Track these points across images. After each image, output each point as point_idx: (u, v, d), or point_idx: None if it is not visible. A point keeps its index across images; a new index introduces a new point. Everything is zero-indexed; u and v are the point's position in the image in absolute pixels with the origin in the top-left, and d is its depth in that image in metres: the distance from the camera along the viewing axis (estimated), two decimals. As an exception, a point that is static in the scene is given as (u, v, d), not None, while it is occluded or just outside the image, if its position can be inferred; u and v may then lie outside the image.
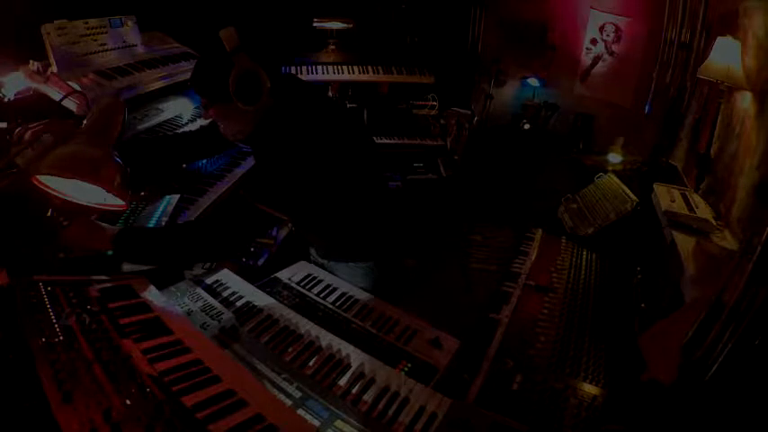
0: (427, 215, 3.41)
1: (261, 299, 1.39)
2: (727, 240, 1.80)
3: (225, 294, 1.41)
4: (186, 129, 2.13)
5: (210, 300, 1.34)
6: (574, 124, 3.68)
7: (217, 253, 1.51)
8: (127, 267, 1.40)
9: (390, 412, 1.04)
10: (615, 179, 2.40)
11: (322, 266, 1.64)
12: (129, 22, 2.12)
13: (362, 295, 1.49)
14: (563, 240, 2.00)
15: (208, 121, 1.65)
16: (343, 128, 1.54)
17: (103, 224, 1.39)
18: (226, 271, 1.51)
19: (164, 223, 1.65)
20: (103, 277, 1.27)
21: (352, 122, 1.74)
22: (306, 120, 1.41)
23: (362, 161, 1.55)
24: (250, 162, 2.29)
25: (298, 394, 1.06)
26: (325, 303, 1.44)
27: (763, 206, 1.70)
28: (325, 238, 1.64)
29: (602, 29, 3.59)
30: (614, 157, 3.31)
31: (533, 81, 3.81)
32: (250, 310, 1.34)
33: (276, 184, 1.38)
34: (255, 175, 1.85)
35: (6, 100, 1.57)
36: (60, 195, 1.25)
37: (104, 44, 2.00)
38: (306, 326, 1.28)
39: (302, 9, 3.62)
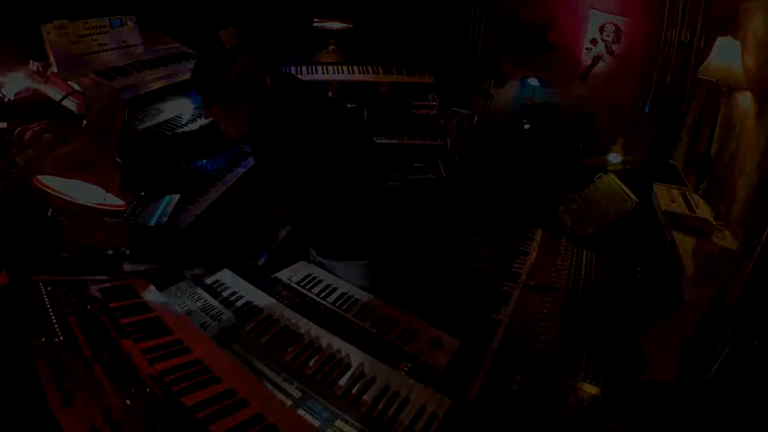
0: (427, 215, 3.41)
1: (261, 299, 1.39)
2: (727, 240, 1.80)
3: (225, 294, 1.41)
4: (186, 129, 2.13)
5: (210, 300, 1.34)
6: (574, 124, 3.68)
7: (223, 257, 1.51)
8: (127, 267, 1.40)
9: (390, 412, 1.04)
10: (615, 179, 2.39)
11: (322, 266, 1.64)
12: (129, 22, 2.12)
13: (362, 295, 1.49)
14: (563, 240, 2.00)
15: (208, 120, 1.66)
16: (342, 127, 1.54)
17: (111, 220, 1.39)
18: (226, 271, 1.51)
19: (164, 223, 1.64)
20: (103, 277, 1.27)
21: (351, 121, 1.74)
22: (305, 119, 1.41)
23: (361, 160, 1.55)
24: (250, 162, 2.29)
25: (298, 394, 1.06)
26: (326, 303, 1.44)
27: (763, 206, 1.69)
28: (323, 235, 1.64)
29: (602, 29, 3.59)
30: (614, 157, 3.31)
31: (533, 81, 3.81)
32: (250, 310, 1.34)
33: (275, 182, 1.38)
34: (256, 174, 1.85)
35: (6, 100, 1.57)
36: (60, 195, 1.25)
37: (104, 44, 1.99)
38: (306, 326, 1.28)
39: (302, 9, 3.62)
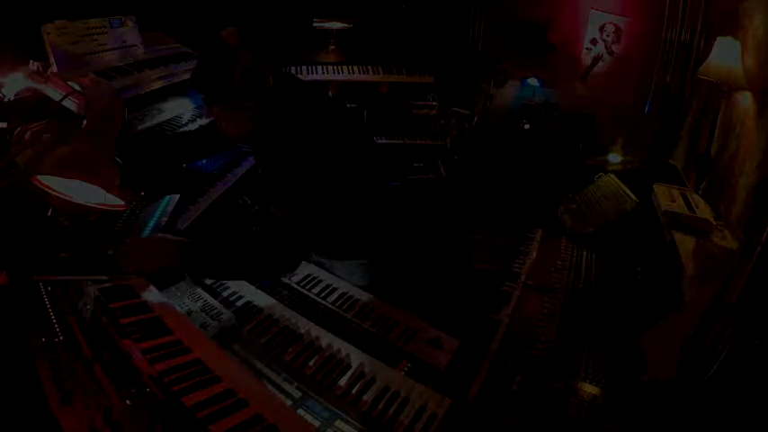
0: (427, 215, 3.41)
1: (261, 299, 1.39)
2: (727, 240, 1.80)
3: (225, 294, 1.41)
4: (186, 129, 2.13)
5: (210, 300, 1.34)
6: (574, 124, 3.68)
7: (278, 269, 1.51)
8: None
9: (390, 412, 1.04)
10: (615, 179, 2.39)
11: (322, 266, 1.64)
12: (129, 22, 2.12)
13: (362, 295, 1.49)
14: (563, 240, 2.00)
15: (208, 120, 1.65)
16: (342, 127, 1.54)
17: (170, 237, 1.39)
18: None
19: (164, 223, 1.64)
20: (103, 277, 1.27)
21: (351, 121, 1.74)
22: (306, 118, 1.42)
23: (360, 160, 1.55)
24: (250, 162, 2.29)
25: (298, 394, 1.06)
26: (326, 303, 1.44)
27: (763, 206, 1.69)
28: (322, 235, 1.64)
29: (602, 29, 3.59)
30: (614, 157, 3.31)
31: (533, 81, 3.81)
32: (250, 311, 1.34)
33: (275, 181, 1.38)
34: (257, 174, 1.85)
35: (6, 100, 1.57)
36: (60, 195, 1.25)
37: (104, 44, 1.99)
38: (306, 326, 1.28)
39: (302, 9, 3.62)
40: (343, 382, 1.12)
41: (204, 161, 2.16)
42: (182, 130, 2.11)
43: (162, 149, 1.73)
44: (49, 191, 1.23)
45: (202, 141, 1.72)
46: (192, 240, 1.36)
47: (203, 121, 2.13)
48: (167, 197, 1.78)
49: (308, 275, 1.58)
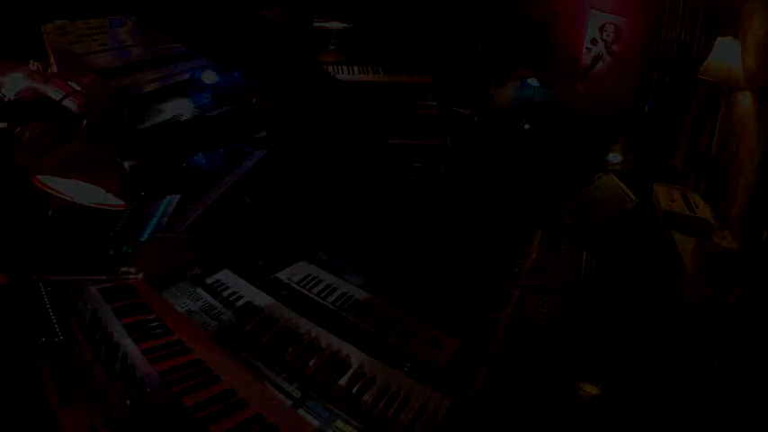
0: (427, 215, 3.41)
1: (261, 299, 1.39)
2: (727, 240, 1.80)
3: (225, 294, 1.41)
4: (185, 127, 2.13)
5: (210, 300, 1.34)
6: (574, 124, 3.68)
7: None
8: (126, 268, 1.40)
9: (390, 412, 1.04)
10: (615, 179, 2.39)
11: (322, 266, 1.64)
12: (129, 23, 2.12)
13: (362, 295, 1.49)
14: (563, 240, 2.00)
15: (217, 112, 1.65)
16: (360, 124, 1.55)
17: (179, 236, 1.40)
18: (226, 271, 1.51)
19: (164, 223, 1.65)
20: (103, 277, 1.27)
21: (366, 120, 1.75)
22: (330, 110, 1.42)
23: (370, 157, 1.56)
24: (250, 162, 2.29)
25: (298, 394, 1.06)
26: (326, 303, 1.44)
27: (763, 206, 1.69)
28: (328, 233, 1.64)
29: (602, 29, 3.59)
30: (614, 157, 3.31)
31: (533, 81, 3.81)
32: (250, 311, 1.34)
33: (287, 174, 1.38)
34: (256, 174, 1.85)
35: (6, 100, 1.57)
36: (60, 195, 1.25)
37: (104, 44, 2.00)
38: (306, 326, 1.28)
39: (302, 9, 3.62)
40: (343, 382, 1.12)
41: (205, 161, 2.16)
42: (181, 128, 2.11)
43: (162, 147, 1.73)
44: (49, 191, 1.23)
45: (201, 136, 1.72)
46: (197, 236, 1.37)
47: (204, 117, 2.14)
48: (168, 197, 1.78)
49: (308, 275, 1.58)
